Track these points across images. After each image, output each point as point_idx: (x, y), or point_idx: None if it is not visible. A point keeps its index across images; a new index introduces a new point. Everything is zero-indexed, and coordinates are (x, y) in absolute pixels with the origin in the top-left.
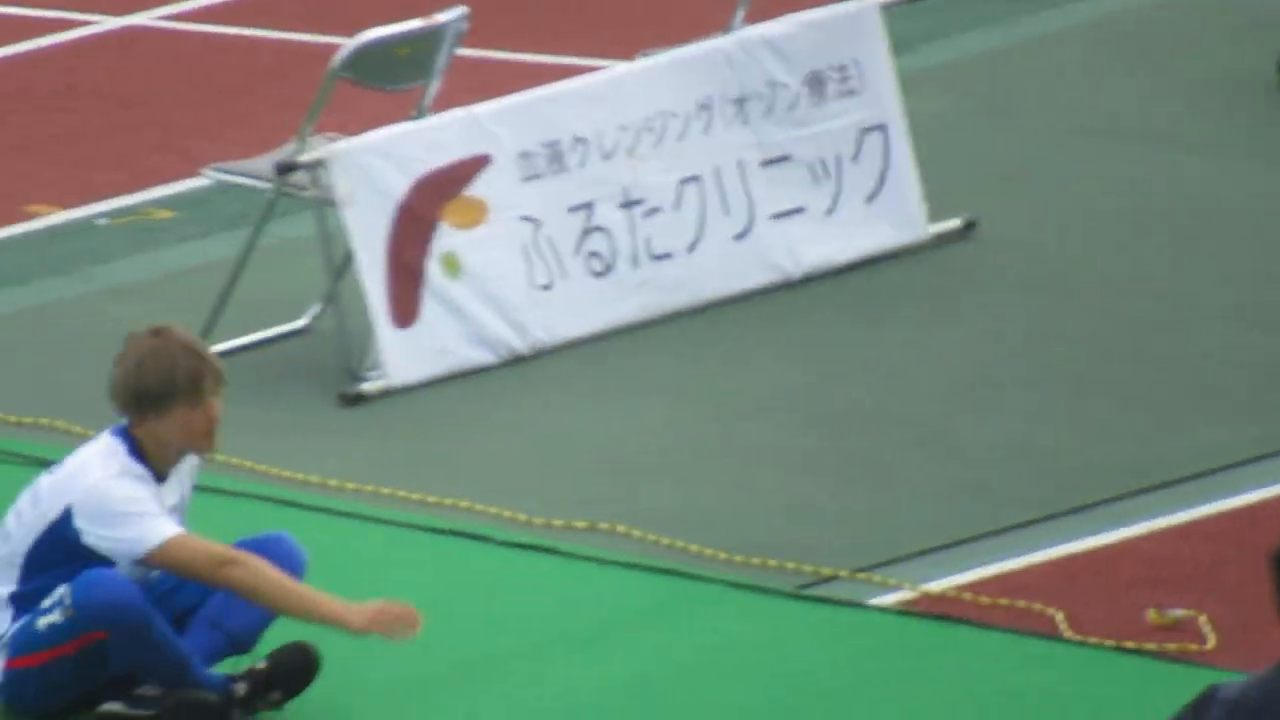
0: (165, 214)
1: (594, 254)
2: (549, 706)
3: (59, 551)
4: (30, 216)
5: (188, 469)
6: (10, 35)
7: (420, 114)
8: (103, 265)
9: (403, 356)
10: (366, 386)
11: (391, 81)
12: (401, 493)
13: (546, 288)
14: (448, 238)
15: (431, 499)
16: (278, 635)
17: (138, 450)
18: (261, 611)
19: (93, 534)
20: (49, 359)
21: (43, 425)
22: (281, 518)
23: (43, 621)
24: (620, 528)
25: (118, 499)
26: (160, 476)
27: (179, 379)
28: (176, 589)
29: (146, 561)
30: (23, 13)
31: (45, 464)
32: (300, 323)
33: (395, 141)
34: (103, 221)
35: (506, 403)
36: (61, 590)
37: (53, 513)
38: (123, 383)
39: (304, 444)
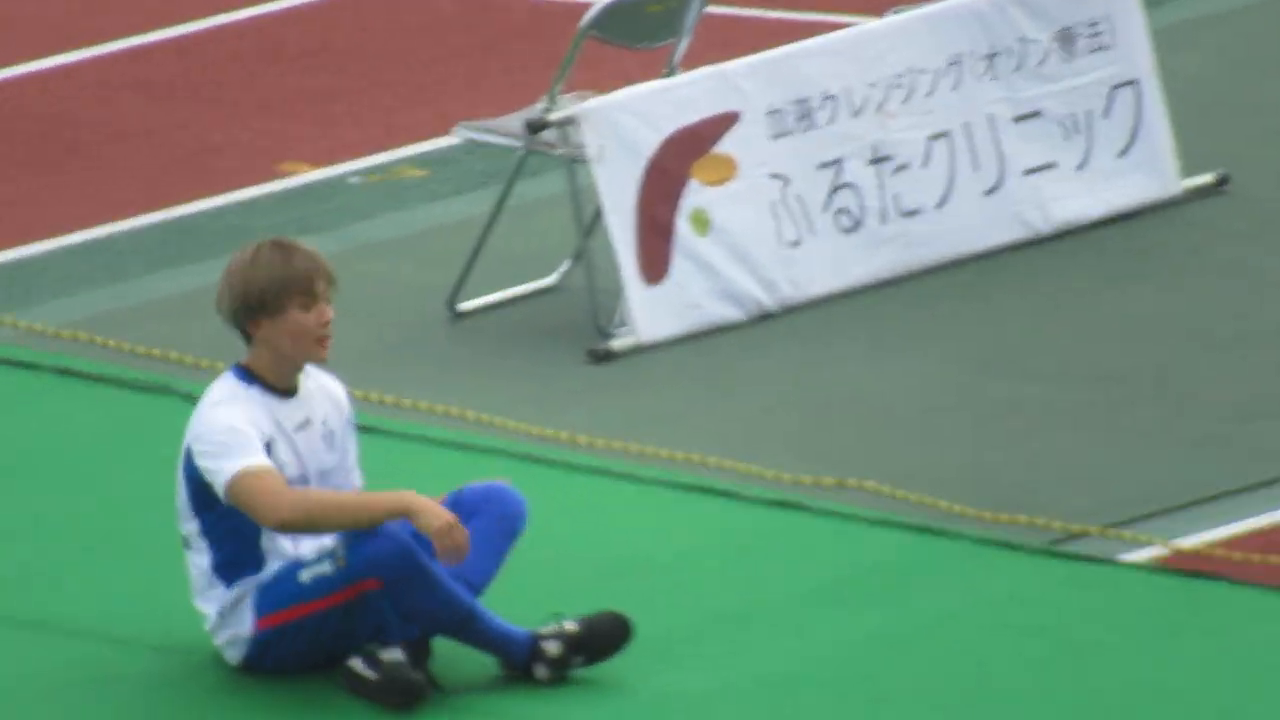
0: (417, 172)
1: (843, 210)
2: (797, 661)
3: (207, 504)
4: (283, 175)
5: (326, 391)
6: None
7: (670, 72)
8: (355, 223)
9: (652, 313)
10: (615, 343)
11: (641, 39)
12: (650, 449)
13: (795, 244)
14: (697, 195)
15: (680, 455)
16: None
17: (249, 374)
18: (493, 561)
19: (201, 467)
20: None
21: None
22: (529, 474)
23: (307, 574)
24: (869, 484)
25: (214, 428)
26: (281, 392)
27: (293, 276)
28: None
29: (226, 501)
30: None
31: None
32: (550, 280)
33: (646, 99)
34: (355, 180)
35: (754, 359)
36: (332, 542)
37: (182, 459)
38: (239, 285)
39: (552, 400)
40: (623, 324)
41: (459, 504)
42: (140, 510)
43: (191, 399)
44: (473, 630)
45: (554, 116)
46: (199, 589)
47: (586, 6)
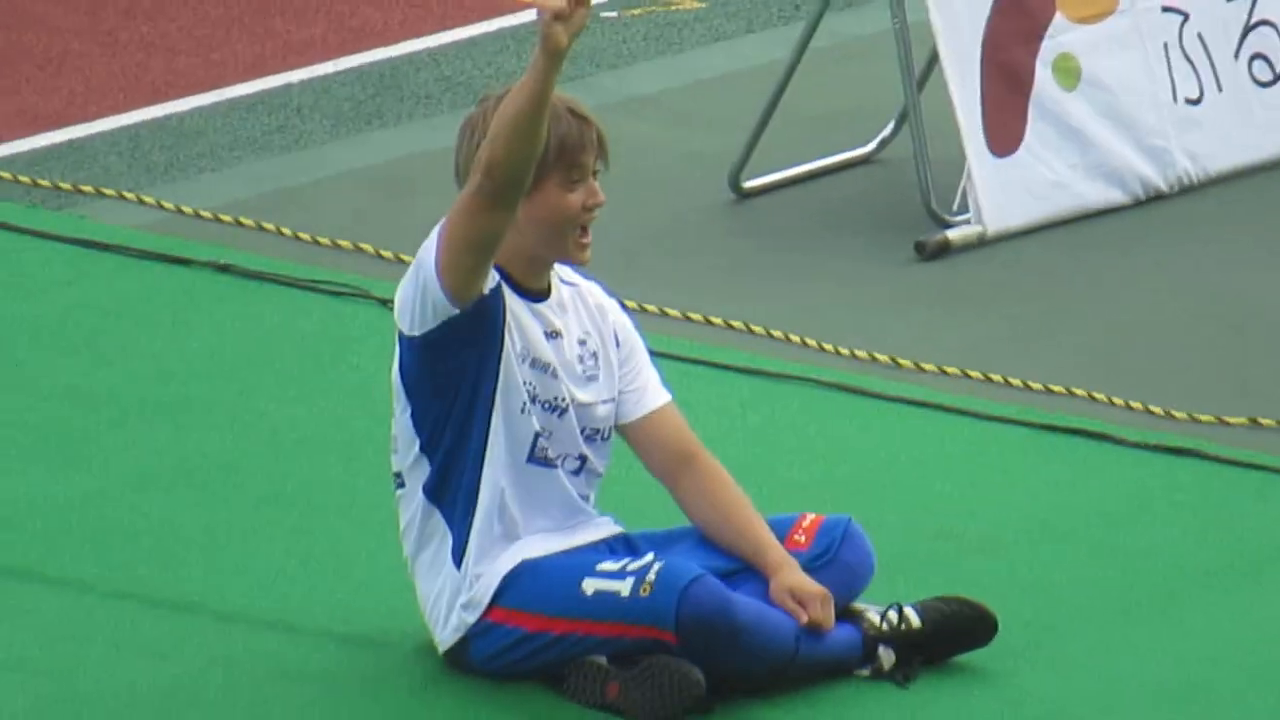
0: (692, 4)
1: (1258, 57)
2: (1203, 663)
3: (428, 388)
4: (511, 9)
5: (588, 302)
6: None
7: None
8: (612, 72)
9: (1000, 193)
10: (953, 233)
11: None
12: (997, 376)
13: (1194, 103)
14: (1064, 35)
15: (1036, 385)
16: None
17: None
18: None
19: (405, 290)
20: None
21: None
22: (839, 407)
23: (592, 586)
24: None
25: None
26: (528, 293)
27: (557, 141)
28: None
29: (439, 255)
30: None
31: None
32: (866, 148)
33: None
34: (611, 14)
35: (1138, 256)
36: (648, 559)
37: (396, 354)
38: (482, 148)
39: (868, 311)
40: (962, 208)
41: (819, 543)
42: (317, 459)
43: (390, 306)
44: (792, 667)
45: None
46: (416, 542)
47: None
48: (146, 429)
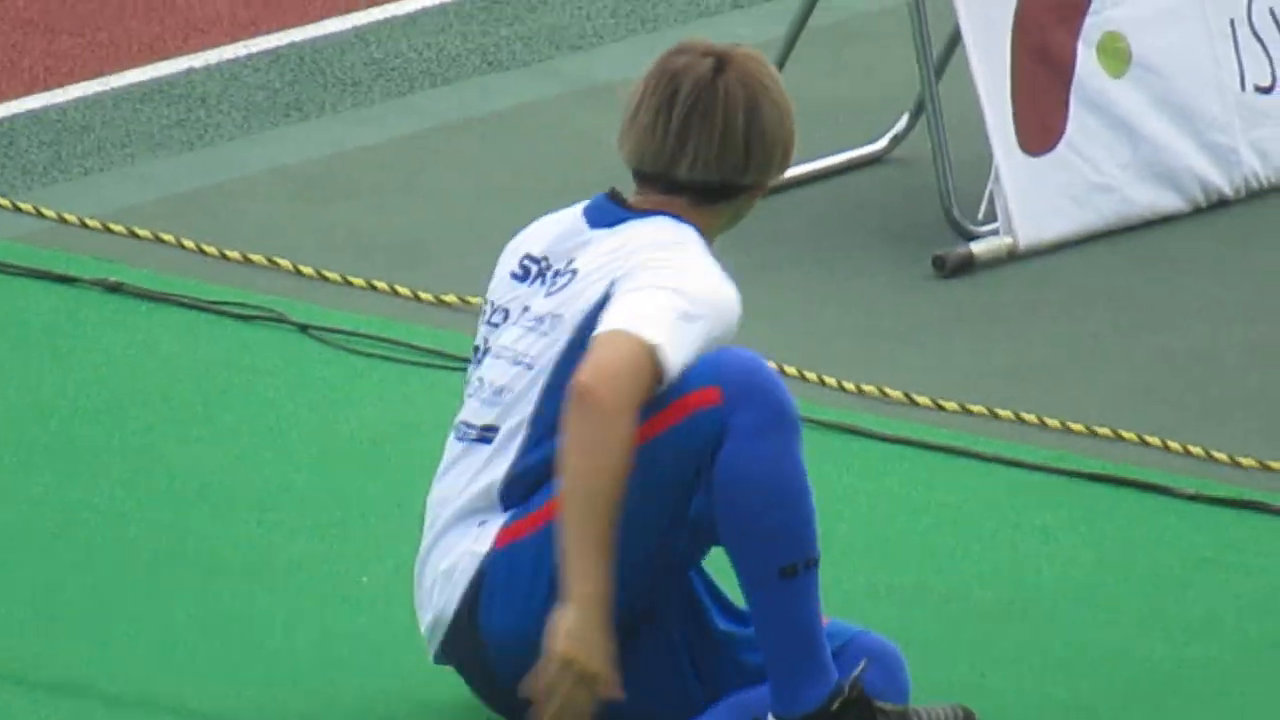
0: None
1: None
2: None
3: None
4: None
5: None
6: None
7: None
8: (574, 54)
9: (1034, 199)
10: (977, 246)
11: None
12: (1030, 416)
13: (1266, 90)
14: (1110, 9)
15: (1077, 426)
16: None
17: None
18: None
19: (633, 288)
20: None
21: None
22: (841, 450)
23: None
24: None
25: (712, 283)
26: None
27: (791, 145)
28: None
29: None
30: None
31: None
32: (875, 146)
33: None
34: None
35: (1197, 273)
36: None
37: (586, 306)
38: (775, 135)
39: (879, 336)
40: (989, 216)
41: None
42: (224, 512)
43: (310, 332)
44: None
45: None
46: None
47: None
48: (21, 476)
